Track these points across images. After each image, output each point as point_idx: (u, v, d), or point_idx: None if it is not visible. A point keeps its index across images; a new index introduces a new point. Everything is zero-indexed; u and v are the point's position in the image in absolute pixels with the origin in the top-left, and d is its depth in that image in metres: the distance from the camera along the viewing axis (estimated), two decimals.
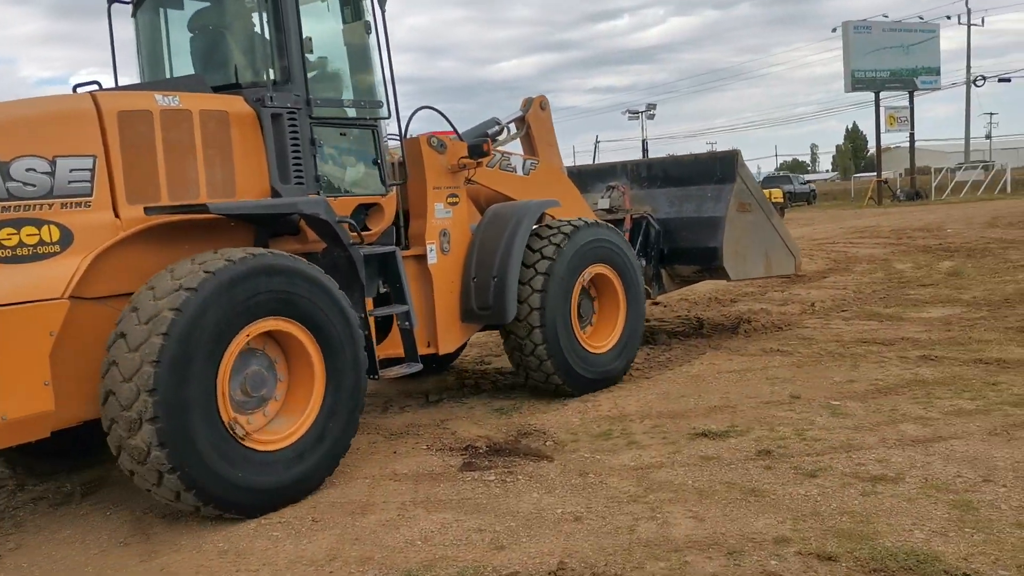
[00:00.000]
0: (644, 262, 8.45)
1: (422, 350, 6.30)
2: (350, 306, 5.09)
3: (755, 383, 6.76)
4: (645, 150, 44.92)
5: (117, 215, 4.63)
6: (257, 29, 5.69)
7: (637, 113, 46.51)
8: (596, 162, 9.33)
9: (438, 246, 6.51)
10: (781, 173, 62.04)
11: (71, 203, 4.45)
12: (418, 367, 5.93)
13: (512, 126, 8.16)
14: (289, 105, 5.34)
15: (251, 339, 4.60)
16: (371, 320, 5.67)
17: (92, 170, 4.54)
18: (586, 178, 9.60)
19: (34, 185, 4.32)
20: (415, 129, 6.63)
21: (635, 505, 4.37)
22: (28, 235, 4.29)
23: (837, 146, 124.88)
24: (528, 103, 8.18)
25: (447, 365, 8.40)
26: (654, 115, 45.86)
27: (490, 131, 7.86)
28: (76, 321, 4.38)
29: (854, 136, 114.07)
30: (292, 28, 5.43)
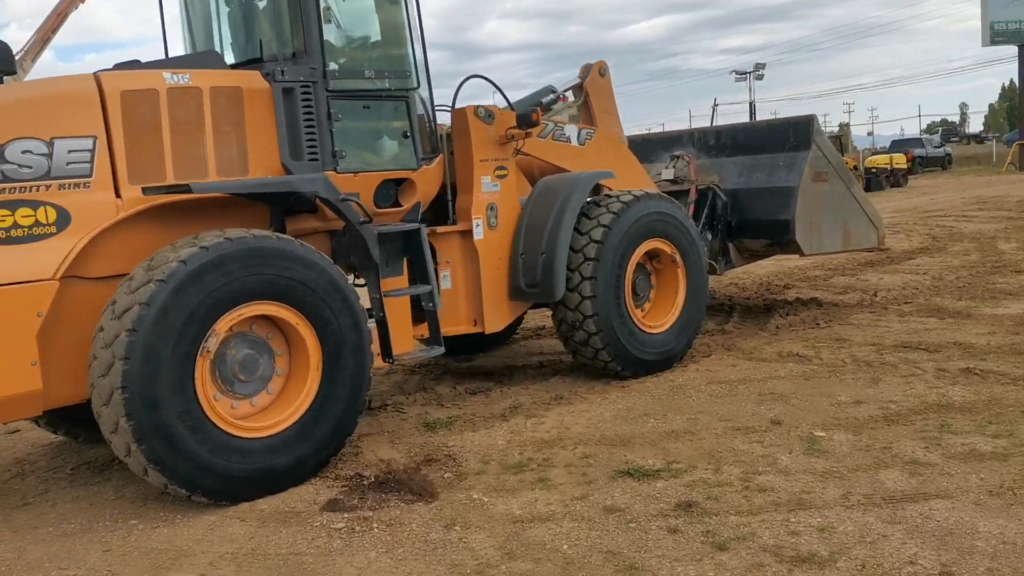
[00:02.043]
0: (710, 236, 7.90)
1: (467, 328, 6.18)
2: (350, 288, 4.79)
3: (741, 400, 5.64)
4: (752, 113, 42.27)
5: (119, 195, 4.53)
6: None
7: (744, 74, 43.74)
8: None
9: (485, 221, 6.12)
10: (927, 134, 57.59)
11: (69, 184, 4.40)
12: (440, 351, 5.57)
13: (569, 94, 7.62)
14: (303, 78, 5.06)
15: (238, 324, 4.42)
16: (399, 301, 5.43)
17: (92, 151, 4.47)
18: (651, 147, 8.99)
19: (30, 167, 4.30)
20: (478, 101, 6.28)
21: None
22: (23, 216, 4.27)
23: (990, 105, 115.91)
24: (587, 69, 7.57)
25: (506, 340, 8.08)
26: (762, 75, 42.96)
27: (544, 100, 7.36)
28: (71, 301, 4.36)
29: (1011, 94, 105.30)
30: None
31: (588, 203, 6.41)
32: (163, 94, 4.67)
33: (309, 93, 5.07)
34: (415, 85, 5.54)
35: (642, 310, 6.71)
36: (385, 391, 6.67)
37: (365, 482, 4.62)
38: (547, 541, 3.75)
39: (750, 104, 42.63)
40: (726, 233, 8.04)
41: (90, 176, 4.45)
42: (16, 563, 3.94)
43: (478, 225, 6.13)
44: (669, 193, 8.24)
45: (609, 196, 6.46)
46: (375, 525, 4.05)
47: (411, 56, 5.54)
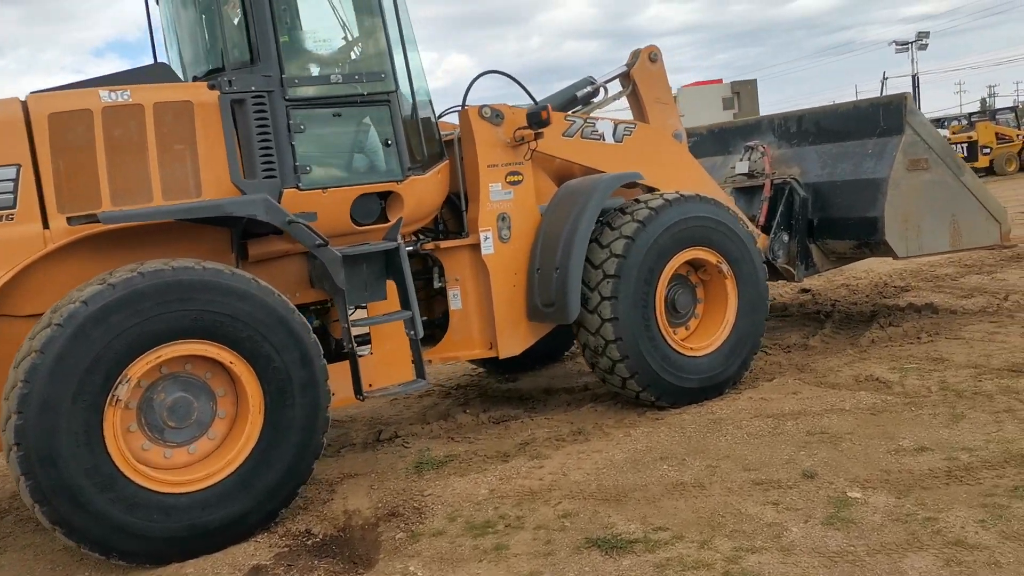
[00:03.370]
0: (786, 237, 6.92)
1: (482, 352, 5.62)
2: (299, 320, 4.26)
3: (782, 442, 4.72)
4: (916, 87, 38.61)
5: (47, 226, 4.20)
6: (227, 6, 4.87)
7: (905, 44, 39.90)
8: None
9: (495, 233, 5.52)
10: None
11: None
12: (423, 385, 4.92)
13: (613, 84, 6.81)
14: (255, 88, 4.59)
15: (168, 364, 4.01)
16: (388, 328, 4.93)
17: (15, 180, 4.15)
18: (729, 137, 8.09)
19: None
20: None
21: None
22: None
23: None
24: (635, 56, 6.72)
25: (559, 357, 7.45)
26: (926, 45, 39.11)
27: (579, 93, 6.63)
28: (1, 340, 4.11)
29: None
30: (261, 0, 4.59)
31: (614, 211, 5.64)
32: (98, 114, 4.28)
33: (263, 104, 4.57)
34: (393, 88, 4.94)
35: (687, 328, 5.89)
36: (406, 419, 6.15)
37: (309, 542, 4.10)
38: None
39: (913, 77, 38.97)
40: (807, 233, 7.00)
41: (13, 207, 4.13)
42: None
43: (487, 238, 5.48)
44: (743, 189, 7.33)
45: (638, 201, 5.64)
46: None
47: (388, 56, 4.94)
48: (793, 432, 4.86)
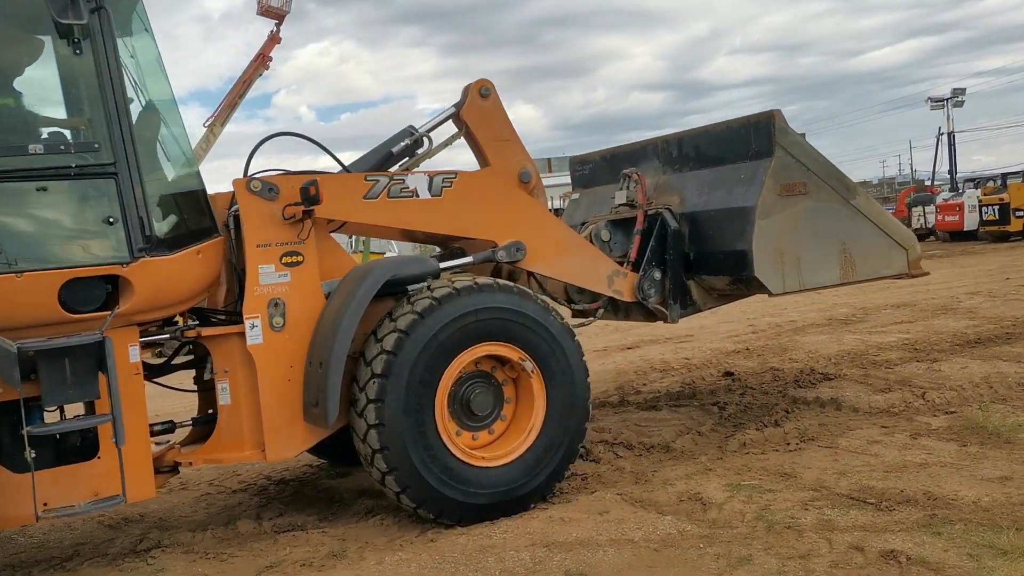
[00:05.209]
0: (658, 273, 6.19)
1: (254, 455, 4.98)
2: None
3: None
4: (952, 146, 36.94)
5: None
6: None
7: (940, 101, 38.24)
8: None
9: (265, 320, 4.92)
10: None
11: None
12: (118, 502, 4.31)
13: (437, 134, 6.10)
14: None
15: None
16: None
17: None
18: (620, 163, 7.20)
19: None
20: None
21: None
22: None
23: None
24: (465, 93, 6.02)
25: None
26: (963, 102, 37.45)
27: (395, 149, 5.94)
28: None
29: None
30: None
31: (402, 298, 5.03)
32: None
33: None
34: (109, 160, 4.39)
35: (491, 432, 5.20)
36: (189, 523, 5.53)
37: None
38: None
39: (949, 135, 37.24)
40: (683, 268, 6.22)
41: None
42: None
43: (253, 326, 4.87)
44: (621, 222, 6.55)
45: (428, 288, 5.01)
46: None
47: (106, 124, 4.41)
48: (551, 571, 4.13)
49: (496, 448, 5.11)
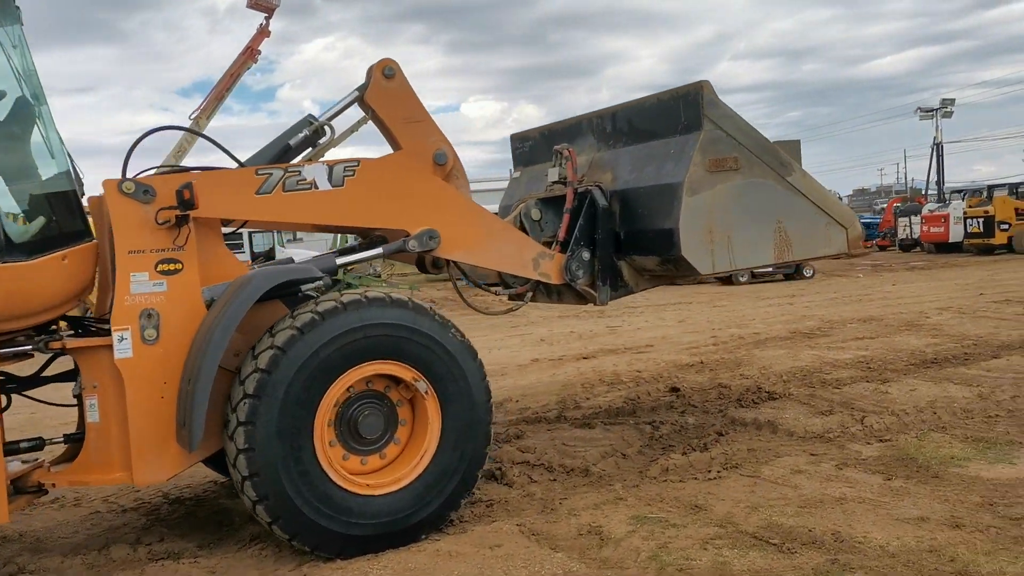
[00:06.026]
0: (587, 253, 5.86)
1: (124, 478, 4.59)
2: None
3: None
4: (940, 157, 36.64)
5: None
6: None
7: (930, 111, 37.94)
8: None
9: (136, 332, 4.53)
10: None
11: None
12: None
13: (342, 122, 5.67)
14: None
15: None
16: None
17: None
18: (557, 140, 6.80)
19: None
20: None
21: None
22: None
23: None
24: (368, 75, 5.56)
25: None
26: (951, 112, 37.12)
27: (293, 141, 5.49)
28: None
29: None
30: None
31: (295, 311, 4.68)
32: None
33: None
34: None
35: (382, 456, 4.86)
36: (63, 545, 5.18)
37: None
38: None
39: (937, 146, 36.93)
40: (613, 248, 5.89)
41: None
42: None
43: (122, 339, 4.49)
44: (553, 200, 6.21)
45: (309, 303, 4.67)
46: None
47: None
48: None
49: (386, 474, 4.78)
